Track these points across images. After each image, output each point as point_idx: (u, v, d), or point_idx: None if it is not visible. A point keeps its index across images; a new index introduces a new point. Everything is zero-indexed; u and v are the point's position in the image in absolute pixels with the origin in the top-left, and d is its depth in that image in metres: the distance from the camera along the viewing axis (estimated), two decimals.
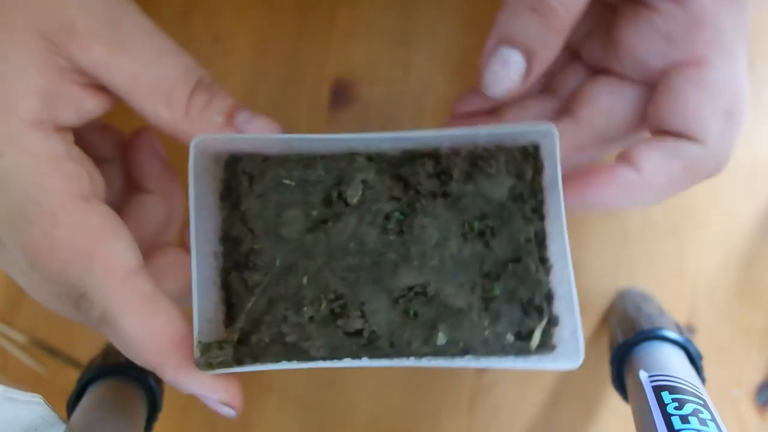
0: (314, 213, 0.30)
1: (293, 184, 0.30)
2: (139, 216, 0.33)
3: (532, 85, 0.30)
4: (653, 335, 0.35)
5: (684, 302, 0.42)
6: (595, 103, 0.31)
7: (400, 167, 0.30)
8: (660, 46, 0.29)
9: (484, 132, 0.29)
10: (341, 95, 0.43)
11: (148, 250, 0.31)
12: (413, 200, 0.29)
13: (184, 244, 0.33)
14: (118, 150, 0.34)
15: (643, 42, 0.29)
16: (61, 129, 0.27)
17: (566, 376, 0.43)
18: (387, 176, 0.30)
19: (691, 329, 0.42)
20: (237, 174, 0.30)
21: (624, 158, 0.30)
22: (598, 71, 0.32)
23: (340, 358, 0.28)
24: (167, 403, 0.38)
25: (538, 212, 0.29)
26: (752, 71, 0.43)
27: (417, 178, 0.30)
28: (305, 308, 0.28)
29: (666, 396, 0.29)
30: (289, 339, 0.28)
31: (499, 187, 0.29)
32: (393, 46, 0.43)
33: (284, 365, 0.28)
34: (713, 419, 0.27)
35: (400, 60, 0.43)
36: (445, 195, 0.30)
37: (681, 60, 0.29)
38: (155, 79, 0.28)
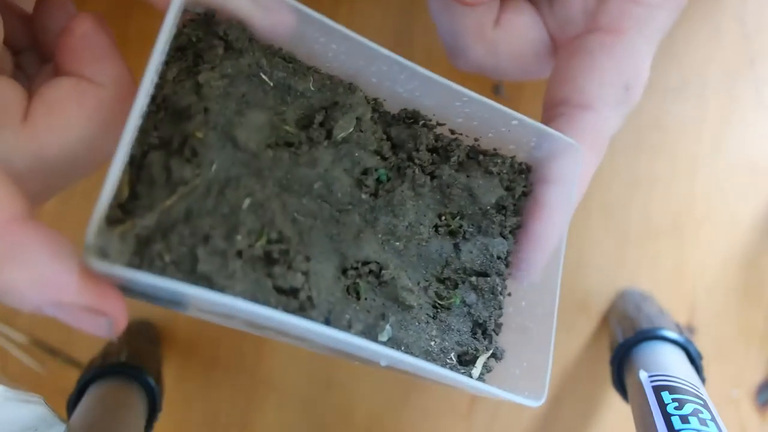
0: (286, 128, 0.23)
1: (271, 84, 0.24)
2: (41, 77, 0.25)
3: None
4: (653, 335, 0.35)
5: (684, 302, 0.42)
6: (516, 17, 0.30)
7: (390, 126, 0.26)
8: (592, 5, 0.28)
9: (515, 118, 0.25)
10: None
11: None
12: (402, 164, 0.25)
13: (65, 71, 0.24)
14: (33, 37, 0.27)
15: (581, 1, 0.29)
16: None
17: (566, 376, 0.43)
18: (380, 128, 0.25)
19: (691, 329, 0.42)
20: (210, 35, 0.23)
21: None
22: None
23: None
24: (167, 403, 0.38)
25: (514, 234, 0.27)
26: (752, 71, 0.43)
27: (416, 144, 0.25)
28: (239, 236, 0.21)
29: (666, 396, 0.29)
30: (203, 268, 0.20)
31: (490, 191, 0.26)
32: (393, 46, 0.43)
33: (195, 290, 0.19)
34: (713, 419, 0.27)
35: None
36: (432, 176, 0.26)
37: (602, 26, 0.28)
38: None
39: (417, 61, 0.39)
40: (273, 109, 0.23)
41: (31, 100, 0.22)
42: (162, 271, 0.20)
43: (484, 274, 0.26)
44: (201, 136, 0.22)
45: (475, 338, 0.25)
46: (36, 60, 0.26)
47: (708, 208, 0.42)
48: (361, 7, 0.43)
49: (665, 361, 0.33)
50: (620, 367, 0.36)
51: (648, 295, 0.41)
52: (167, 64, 0.23)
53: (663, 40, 0.43)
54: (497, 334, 0.26)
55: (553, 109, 0.28)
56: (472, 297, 0.26)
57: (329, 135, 0.24)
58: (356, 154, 0.24)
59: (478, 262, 0.26)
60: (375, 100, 0.25)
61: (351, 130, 0.24)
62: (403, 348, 0.23)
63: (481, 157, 0.26)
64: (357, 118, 0.24)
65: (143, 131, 0.22)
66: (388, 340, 0.23)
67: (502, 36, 0.31)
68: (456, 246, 0.26)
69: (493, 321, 0.26)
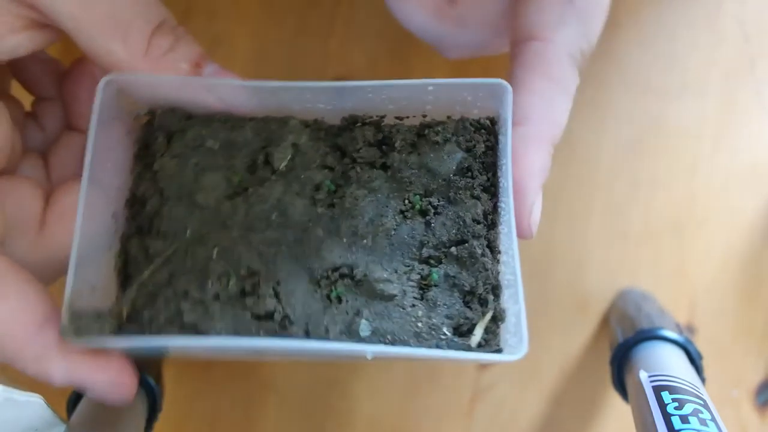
0: (236, 178, 0.26)
1: (217, 146, 0.26)
2: (66, 154, 0.29)
3: None
4: (653, 335, 0.35)
5: (684, 302, 0.42)
6: None
7: (339, 136, 0.27)
8: None
9: (430, 84, 0.25)
10: None
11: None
12: (348, 169, 0.26)
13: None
14: (62, 89, 0.30)
15: None
16: None
17: (566, 377, 0.43)
18: (323, 144, 0.27)
19: (691, 329, 0.42)
20: (153, 130, 0.26)
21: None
22: None
23: None
24: (167, 403, 0.38)
25: (489, 191, 0.26)
26: (752, 73, 0.43)
27: (355, 145, 0.26)
28: (210, 283, 0.24)
29: (666, 396, 0.29)
30: (188, 319, 0.24)
31: (447, 159, 0.26)
32: (393, 46, 0.43)
33: (165, 340, 0.23)
34: (713, 419, 0.27)
35: (399, 60, 0.43)
36: (384, 167, 0.26)
37: None
38: (109, 9, 0.24)
39: (417, 62, 0.39)
40: (223, 166, 0.26)
41: (49, 204, 0.26)
42: (158, 332, 0.23)
43: (462, 242, 0.25)
44: (164, 212, 0.25)
45: (468, 307, 0.25)
46: (57, 111, 0.29)
47: (708, 209, 0.42)
48: (360, 8, 0.43)
49: (665, 361, 0.33)
50: (620, 367, 0.36)
51: (648, 295, 0.41)
52: (132, 169, 0.27)
53: (663, 41, 0.43)
54: (497, 296, 0.25)
55: (511, 61, 0.27)
56: (454, 268, 0.25)
57: (273, 170, 0.26)
58: (302, 176, 0.26)
59: (453, 231, 0.26)
60: (315, 120, 0.27)
61: (289, 157, 0.26)
62: (388, 336, 0.24)
63: (427, 131, 0.26)
64: (293, 144, 0.26)
65: (126, 225, 0.26)
66: (371, 334, 0.24)
67: (462, 9, 0.30)
68: (428, 224, 0.26)
69: (481, 285, 0.25)
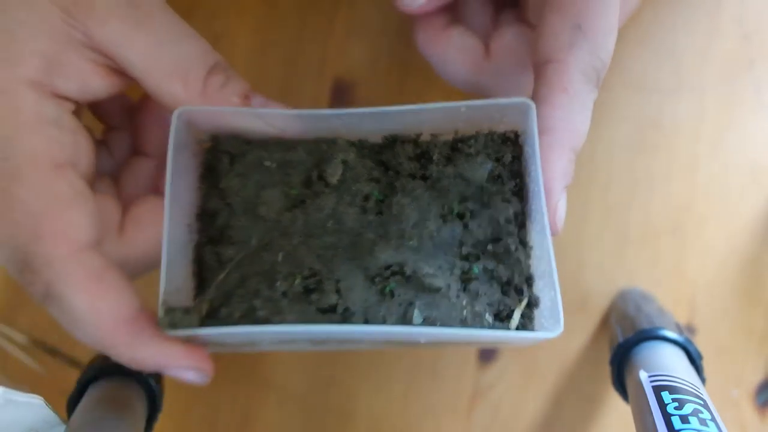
0: (293, 192, 0.29)
1: (274, 165, 0.30)
2: (135, 175, 0.33)
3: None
4: (653, 335, 0.35)
5: (684, 302, 0.42)
6: (502, 39, 0.34)
7: (381, 153, 0.30)
8: None
9: (463, 105, 0.28)
10: (341, 95, 0.43)
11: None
12: (392, 180, 0.30)
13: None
14: (130, 119, 0.34)
15: None
16: (59, 96, 0.27)
17: (566, 376, 0.43)
18: (368, 160, 0.30)
19: (691, 329, 0.42)
20: (218, 153, 0.30)
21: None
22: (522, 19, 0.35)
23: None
24: (167, 403, 0.38)
25: (518, 195, 0.29)
26: (751, 72, 0.43)
27: (397, 159, 0.30)
28: (278, 282, 0.28)
29: (666, 396, 0.29)
30: (261, 314, 0.27)
31: (479, 169, 0.29)
32: (393, 47, 0.43)
33: (249, 328, 0.26)
34: (713, 419, 0.27)
35: (400, 60, 0.43)
36: (424, 178, 0.29)
37: None
38: (173, 58, 0.28)
39: (418, 61, 0.40)
40: (281, 182, 0.30)
41: (125, 215, 0.30)
42: (233, 323, 0.27)
43: (497, 240, 0.29)
44: (233, 223, 0.29)
45: (506, 296, 0.28)
46: (125, 139, 0.33)
47: (708, 208, 0.42)
48: (361, 8, 0.43)
49: (665, 361, 0.33)
50: (620, 367, 0.36)
51: (648, 295, 0.41)
52: (200, 188, 0.30)
53: (662, 41, 0.43)
54: (530, 286, 0.28)
55: (534, 83, 0.30)
56: (491, 263, 0.28)
57: (327, 184, 0.29)
58: (353, 188, 0.29)
59: (489, 231, 0.29)
60: (359, 140, 0.30)
61: (340, 172, 0.29)
62: (438, 323, 0.27)
63: (460, 144, 0.30)
64: (342, 161, 0.29)
65: (198, 238, 0.30)
66: (423, 321, 0.27)
67: (497, 61, 0.34)
68: (465, 225, 0.29)
69: (516, 276, 0.28)
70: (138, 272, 0.31)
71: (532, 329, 0.28)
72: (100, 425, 0.31)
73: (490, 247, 0.28)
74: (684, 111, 0.43)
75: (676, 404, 0.28)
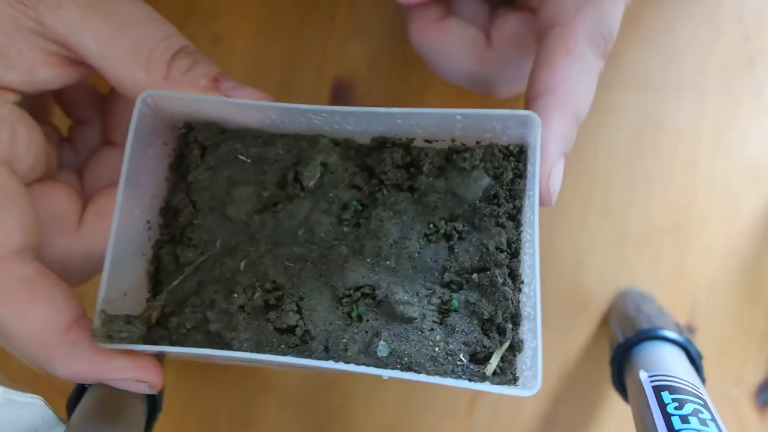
0: (266, 194, 0.27)
1: (249, 160, 0.27)
2: (100, 167, 0.31)
3: None
4: (653, 335, 0.35)
5: (684, 302, 0.42)
6: (504, 26, 0.33)
7: (368, 156, 0.27)
8: None
9: (458, 113, 0.25)
10: (341, 95, 0.43)
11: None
12: (375, 190, 0.27)
13: None
14: (99, 112, 0.32)
15: None
16: (0, 88, 0.26)
17: (566, 376, 0.43)
18: (351, 163, 0.27)
19: (691, 329, 0.42)
20: (189, 142, 0.28)
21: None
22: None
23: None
24: (167, 403, 0.38)
25: (515, 219, 0.26)
26: (751, 72, 0.43)
27: (383, 166, 0.27)
28: (237, 294, 0.25)
29: (666, 396, 0.29)
30: (213, 327, 0.25)
31: (473, 185, 0.26)
32: (393, 46, 0.43)
33: (197, 351, 0.24)
34: (713, 419, 0.27)
35: (400, 60, 0.43)
36: (411, 189, 0.27)
37: None
38: (133, 41, 0.26)
39: (418, 61, 0.39)
40: (254, 180, 0.27)
41: (86, 207, 0.28)
42: (182, 339, 0.25)
43: (484, 269, 0.25)
44: (196, 223, 0.27)
45: (486, 335, 0.25)
46: (93, 133, 0.32)
47: (708, 208, 0.42)
48: (360, 8, 0.43)
49: (665, 361, 0.33)
50: (620, 366, 0.36)
51: (648, 295, 0.41)
52: (168, 179, 0.28)
53: (662, 40, 0.43)
54: (516, 326, 0.25)
55: (537, 44, 0.29)
56: (474, 295, 0.25)
57: (302, 187, 0.27)
58: (330, 194, 0.27)
59: (476, 258, 0.26)
60: (345, 139, 0.28)
61: (318, 175, 0.27)
62: (405, 359, 0.24)
63: (455, 156, 0.27)
64: (322, 163, 0.27)
65: (159, 233, 0.28)
66: (388, 355, 0.24)
67: (501, 47, 0.32)
68: (451, 248, 0.26)
69: (500, 314, 0.25)
70: (95, 268, 0.29)
71: (512, 374, 0.24)
72: (100, 425, 0.30)
73: (475, 276, 0.25)
74: (684, 111, 0.43)
75: (676, 404, 0.28)
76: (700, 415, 0.27)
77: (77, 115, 0.32)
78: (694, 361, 0.34)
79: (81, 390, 0.34)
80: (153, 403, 0.36)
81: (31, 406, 0.28)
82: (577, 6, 0.27)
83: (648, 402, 0.29)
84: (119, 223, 0.25)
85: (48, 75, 0.26)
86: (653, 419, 0.28)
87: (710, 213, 0.42)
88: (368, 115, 0.26)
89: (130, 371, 0.25)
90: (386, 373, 0.23)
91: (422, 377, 0.23)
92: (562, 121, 0.26)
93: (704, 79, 0.43)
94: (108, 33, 0.26)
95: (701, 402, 0.28)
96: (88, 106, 0.32)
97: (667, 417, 0.27)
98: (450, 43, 0.33)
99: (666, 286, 0.42)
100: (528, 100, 0.27)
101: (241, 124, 0.28)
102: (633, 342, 0.35)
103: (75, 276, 0.28)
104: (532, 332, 0.24)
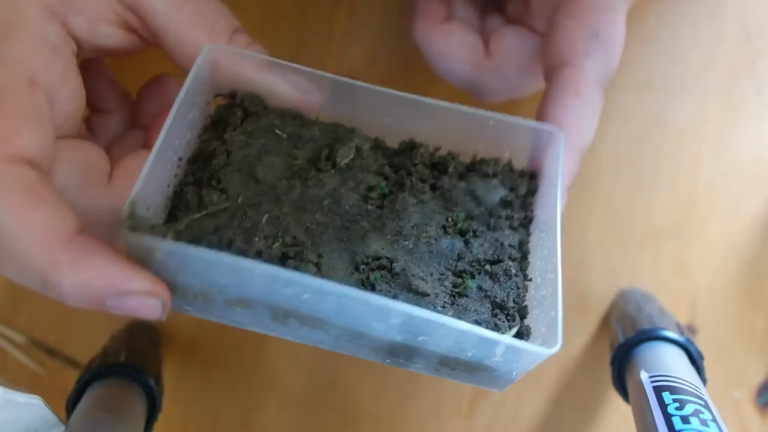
0: (298, 162, 0.28)
1: (284, 135, 0.29)
2: (125, 144, 0.31)
3: None
4: (654, 335, 0.35)
5: (685, 302, 0.42)
6: (503, 40, 0.35)
7: (396, 156, 0.29)
8: None
9: (491, 117, 0.28)
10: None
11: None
12: (402, 179, 0.28)
13: None
14: (122, 102, 0.33)
15: None
16: (67, 31, 0.27)
17: (567, 377, 0.43)
18: (381, 156, 0.29)
19: (692, 329, 0.42)
20: (233, 105, 0.29)
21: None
22: (513, 22, 0.35)
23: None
24: (167, 403, 0.38)
25: (526, 227, 0.29)
26: (753, 72, 0.43)
27: (413, 162, 0.29)
28: (256, 239, 0.25)
29: (667, 396, 0.29)
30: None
31: (492, 192, 0.29)
32: (393, 47, 0.43)
33: (214, 255, 0.22)
34: (714, 420, 0.27)
35: (400, 60, 0.43)
36: (434, 188, 0.29)
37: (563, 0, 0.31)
38: (199, 9, 0.28)
39: (418, 61, 0.40)
40: (287, 153, 0.28)
41: (114, 166, 0.28)
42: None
43: (498, 261, 0.27)
44: (225, 174, 0.27)
45: (495, 318, 0.26)
46: (111, 123, 0.32)
47: (710, 209, 0.42)
48: (360, 7, 0.43)
49: (666, 362, 0.33)
50: (621, 367, 0.35)
51: (649, 295, 0.41)
52: (201, 134, 0.28)
53: (665, 42, 0.43)
54: (524, 317, 0.26)
55: (546, 84, 0.31)
56: (488, 283, 0.27)
57: (334, 164, 0.28)
58: (359, 176, 0.28)
59: (491, 252, 0.27)
60: (375, 138, 0.29)
61: (352, 156, 0.28)
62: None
63: (477, 165, 0.29)
64: (356, 147, 0.28)
65: (182, 177, 0.27)
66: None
67: (498, 60, 0.34)
68: (467, 242, 0.27)
69: (511, 300, 0.26)
70: None
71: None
72: (100, 426, 0.30)
73: (488, 267, 0.27)
74: (687, 111, 0.43)
75: (677, 405, 0.28)
76: (701, 416, 0.27)
77: (99, 104, 0.32)
78: (695, 361, 0.34)
79: (80, 390, 0.34)
80: (152, 404, 0.36)
81: (31, 407, 0.28)
82: (588, 49, 0.30)
83: (649, 402, 0.29)
84: (160, 145, 0.25)
85: (107, 31, 0.28)
86: (654, 420, 0.28)
87: (712, 213, 0.42)
88: (404, 100, 0.28)
89: (144, 281, 0.23)
90: (397, 307, 0.22)
91: (435, 316, 0.22)
92: (569, 158, 0.29)
93: (707, 80, 0.43)
94: None
95: (702, 402, 0.28)
96: (112, 97, 0.33)
97: (667, 417, 0.27)
98: (451, 47, 0.34)
99: (667, 286, 0.42)
100: None
101: (284, 103, 0.29)
102: (634, 342, 0.35)
103: (100, 231, 0.26)
104: (553, 295, 0.25)
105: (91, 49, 0.28)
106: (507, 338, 0.23)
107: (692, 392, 0.29)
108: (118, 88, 0.33)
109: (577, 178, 0.42)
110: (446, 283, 0.26)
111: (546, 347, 0.23)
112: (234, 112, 0.29)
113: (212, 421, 0.43)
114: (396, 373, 0.43)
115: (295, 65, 0.28)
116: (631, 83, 0.43)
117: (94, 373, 0.35)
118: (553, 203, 0.27)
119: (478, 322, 0.25)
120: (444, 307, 0.25)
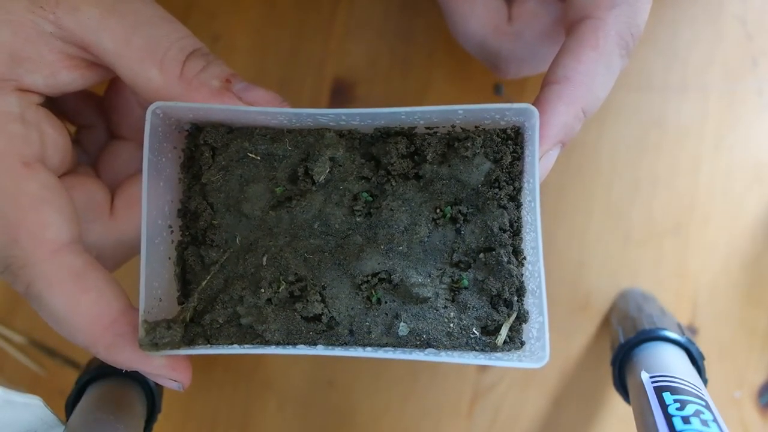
0: (279, 189, 0.28)
1: (258, 158, 0.28)
2: (114, 161, 0.32)
3: None
4: (655, 335, 0.35)
5: (686, 302, 0.42)
6: (526, 4, 0.33)
7: (372, 145, 0.29)
8: None
9: (460, 109, 0.26)
10: (341, 94, 0.43)
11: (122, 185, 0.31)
12: (383, 181, 0.28)
13: None
14: (101, 114, 0.33)
15: None
16: (24, 90, 0.26)
17: (567, 377, 0.43)
18: (358, 154, 0.29)
19: (693, 330, 0.42)
20: (199, 145, 0.29)
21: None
22: None
23: (295, 344, 0.27)
24: (166, 403, 0.37)
25: (515, 200, 0.28)
26: (754, 71, 0.43)
27: (389, 157, 0.28)
28: (263, 289, 0.27)
29: (668, 397, 0.28)
30: (244, 321, 0.27)
31: (475, 171, 0.28)
32: (393, 46, 0.43)
33: (236, 349, 0.26)
34: (715, 420, 0.27)
35: (400, 59, 0.43)
36: (417, 177, 0.28)
37: None
38: (148, 41, 0.27)
39: (418, 60, 0.39)
40: (266, 177, 0.28)
41: (115, 195, 0.30)
42: (217, 334, 0.27)
43: (490, 249, 0.28)
44: (215, 223, 0.28)
45: (495, 309, 0.27)
46: (98, 135, 0.33)
47: (710, 208, 0.42)
48: (360, 7, 0.43)
49: (667, 362, 0.33)
50: (621, 367, 0.35)
51: (650, 295, 0.41)
52: (180, 180, 0.29)
53: (665, 41, 0.43)
54: (521, 298, 0.27)
55: (566, 33, 0.29)
56: (482, 274, 0.27)
57: (313, 181, 0.28)
58: (341, 187, 0.28)
59: (482, 239, 0.28)
60: (349, 131, 0.29)
61: (327, 170, 0.28)
62: (424, 336, 0.27)
63: (456, 144, 0.28)
64: (330, 158, 0.28)
65: (181, 235, 0.29)
66: (408, 333, 0.27)
67: (520, 24, 0.33)
68: (458, 231, 0.28)
69: (507, 289, 0.27)
70: (135, 252, 0.30)
71: (519, 343, 0.27)
72: (99, 426, 0.30)
73: (481, 256, 0.28)
74: (687, 111, 0.42)
75: (677, 405, 0.28)
76: (702, 416, 0.27)
77: (81, 121, 0.33)
78: (696, 361, 0.34)
79: (80, 391, 0.34)
80: (152, 404, 0.35)
81: (30, 407, 0.28)
82: (612, 2, 0.28)
83: (649, 402, 0.29)
84: (148, 235, 0.27)
85: (69, 77, 0.27)
86: (655, 420, 0.27)
87: (712, 213, 0.42)
88: (374, 115, 0.27)
89: (165, 370, 0.27)
90: (410, 356, 0.26)
91: (441, 357, 0.26)
92: (568, 110, 0.27)
93: (707, 79, 0.43)
94: (123, 32, 0.26)
95: (703, 403, 0.28)
96: (90, 111, 0.33)
97: (668, 418, 0.27)
98: (474, 7, 0.33)
99: (668, 287, 0.42)
100: (545, 83, 0.28)
101: (248, 123, 0.29)
102: (634, 342, 0.35)
103: (109, 262, 0.29)
104: (538, 308, 0.26)
105: (58, 94, 0.28)
106: (492, 361, 0.26)
107: (693, 392, 0.29)
108: (94, 98, 0.33)
109: (576, 177, 0.42)
110: (445, 279, 0.28)
111: (533, 360, 0.25)
112: (202, 152, 0.29)
113: (212, 421, 0.43)
114: (395, 373, 0.43)
115: (250, 108, 0.28)
116: (631, 83, 0.43)
117: (94, 374, 0.35)
118: (535, 176, 0.26)
119: (478, 318, 0.27)
120: (446, 307, 0.27)
